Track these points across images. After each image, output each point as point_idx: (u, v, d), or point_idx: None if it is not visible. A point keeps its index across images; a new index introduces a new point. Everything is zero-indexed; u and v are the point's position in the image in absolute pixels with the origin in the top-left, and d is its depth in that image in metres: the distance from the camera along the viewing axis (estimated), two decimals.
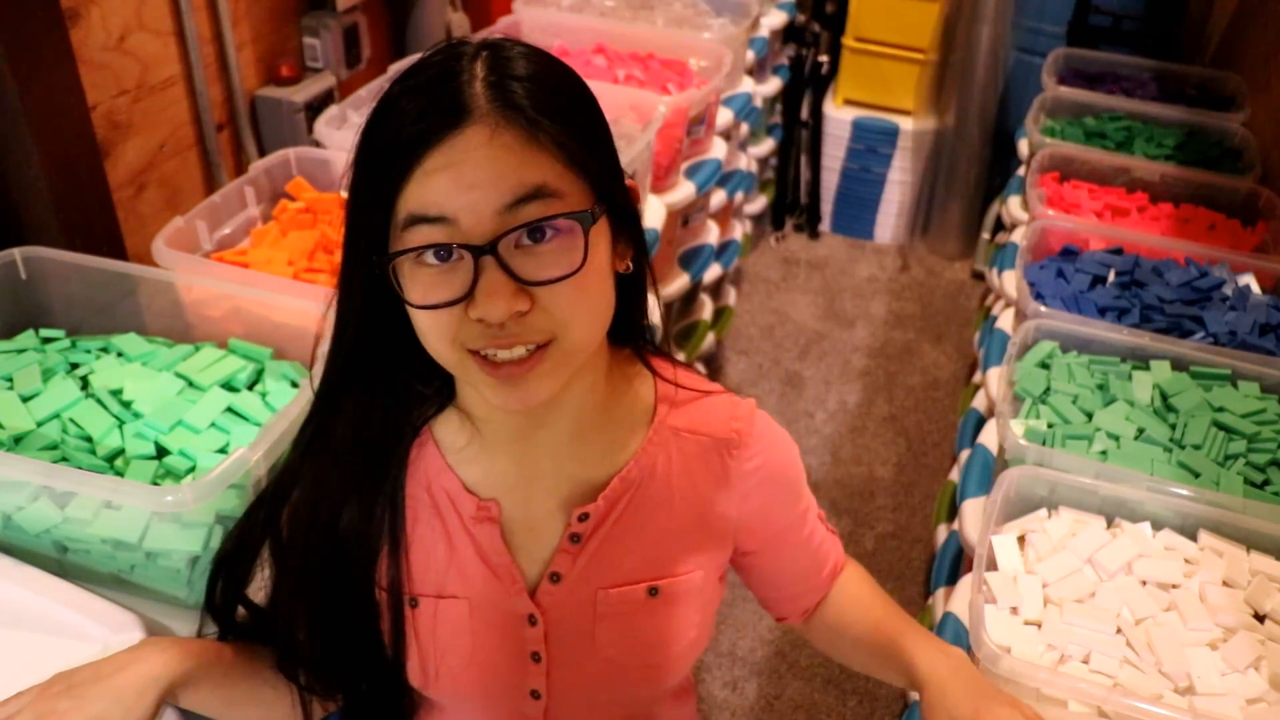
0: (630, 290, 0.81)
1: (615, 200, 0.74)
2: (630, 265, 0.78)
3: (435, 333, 0.71)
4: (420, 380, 0.82)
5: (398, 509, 0.82)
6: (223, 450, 1.13)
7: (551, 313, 0.69)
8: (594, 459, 0.83)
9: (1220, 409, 1.41)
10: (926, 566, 2.44)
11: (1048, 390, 1.45)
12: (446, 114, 0.67)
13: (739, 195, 2.94)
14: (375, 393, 0.80)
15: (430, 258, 0.68)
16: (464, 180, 0.66)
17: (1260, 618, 1.14)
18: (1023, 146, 2.44)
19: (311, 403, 0.83)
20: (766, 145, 3.36)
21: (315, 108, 2.23)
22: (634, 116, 2.00)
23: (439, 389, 0.83)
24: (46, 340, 1.26)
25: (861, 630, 0.97)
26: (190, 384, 1.19)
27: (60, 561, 1.08)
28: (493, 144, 0.66)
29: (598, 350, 0.80)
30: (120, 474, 1.08)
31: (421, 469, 0.83)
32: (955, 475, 1.95)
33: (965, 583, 1.35)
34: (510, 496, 0.82)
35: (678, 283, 2.40)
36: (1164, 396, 1.44)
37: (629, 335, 0.85)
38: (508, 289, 0.67)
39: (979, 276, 3.56)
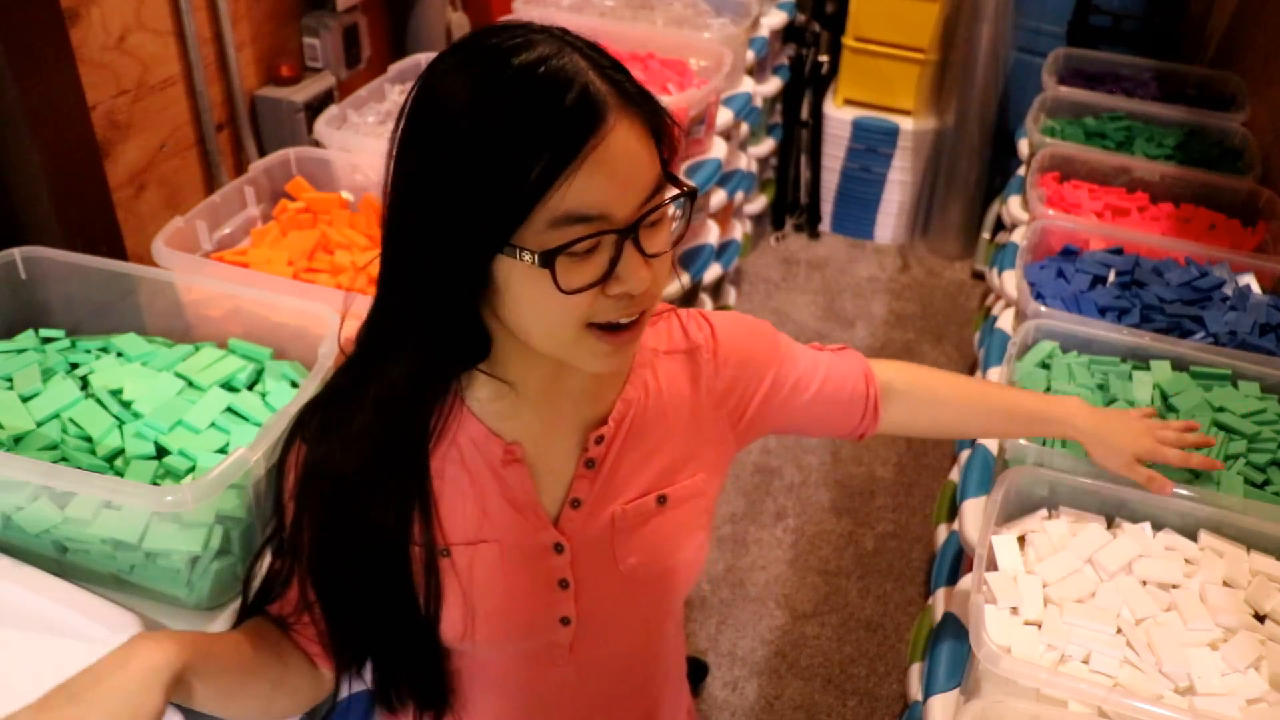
0: None
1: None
2: None
3: (570, 314, 0.75)
4: (449, 349, 0.83)
5: (426, 463, 0.85)
6: (223, 450, 1.13)
7: (657, 281, 0.77)
8: (602, 395, 0.90)
9: (1220, 409, 1.41)
10: (926, 566, 2.45)
11: (1048, 390, 1.45)
12: (590, 111, 0.70)
13: (739, 195, 2.94)
14: (421, 364, 0.82)
15: (576, 247, 0.73)
16: (618, 178, 0.72)
17: (1260, 618, 1.14)
18: (1023, 146, 2.44)
19: (346, 364, 0.85)
20: (766, 145, 3.36)
21: (315, 108, 2.23)
22: None
23: (465, 357, 0.85)
24: (46, 340, 1.26)
25: (966, 400, 1.14)
26: (190, 384, 1.19)
27: (60, 561, 1.08)
28: (630, 137, 0.72)
29: None
30: (120, 474, 1.08)
31: (444, 419, 0.86)
32: (955, 475, 1.95)
33: (965, 583, 1.35)
34: (533, 443, 0.88)
35: (677, 283, 2.39)
36: (1164, 396, 1.44)
37: None
38: (644, 264, 0.75)
39: (979, 276, 3.56)
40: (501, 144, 0.70)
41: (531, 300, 0.75)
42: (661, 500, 0.92)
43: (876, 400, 1.07)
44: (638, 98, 0.74)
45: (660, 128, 0.76)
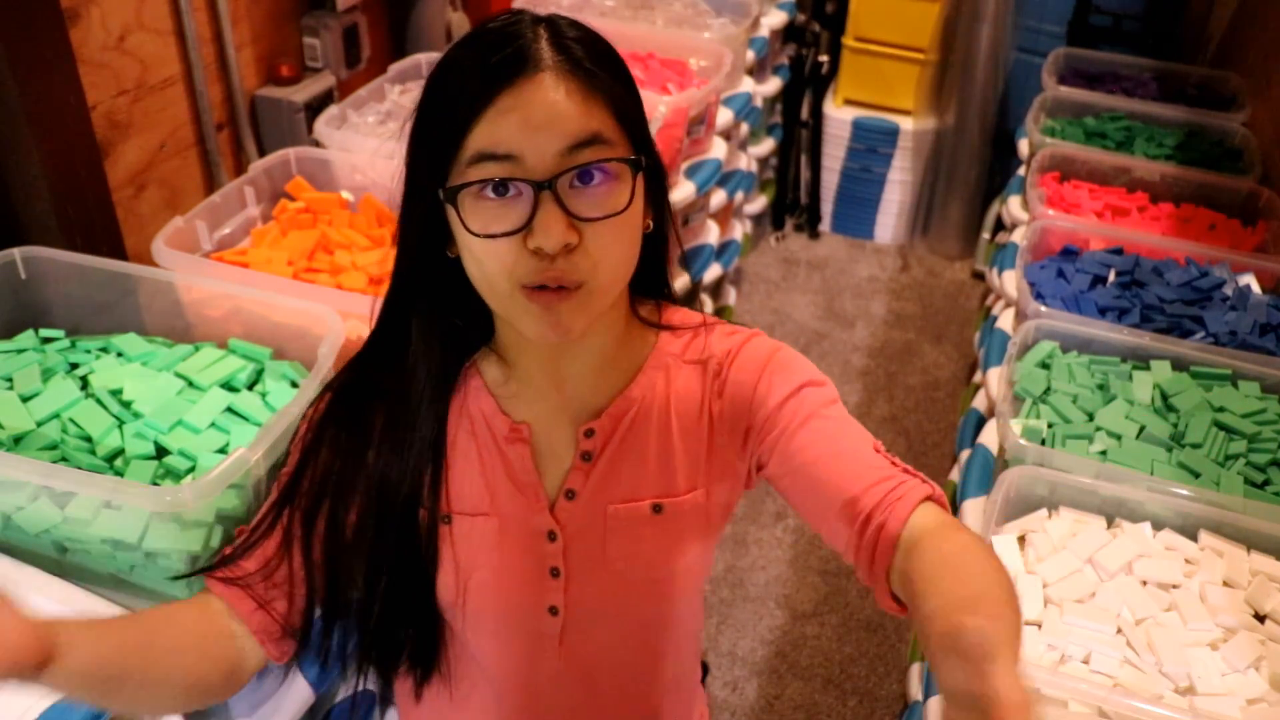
0: (653, 248, 0.89)
1: (650, 159, 0.82)
2: (652, 225, 0.86)
3: (494, 264, 0.77)
4: (463, 319, 0.89)
5: (442, 429, 0.89)
6: (223, 450, 1.13)
7: (590, 252, 0.76)
8: (607, 388, 0.91)
9: (1220, 409, 1.41)
10: None
11: (1048, 390, 1.45)
12: (516, 63, 0.75)
13: (739, 195, 2.94)
14: (431, 326, 0.87)
15: (490, 192, 0.76)
16: (531, 121, 0.74)
17: (1260, 618, 1.14)
18: (1023, 146, 2.44)
19: (372, 333, 0.90)
20: (766, 145, 3.36)
21: (315, 108, 2.23)
22: None
23: (481, 331, 0.91)
24: (46, 340, 1.26)
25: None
26: (190, 384, 1.19)
27: (60, 561, 1.08)
28: (558, 91, 0.75)
29: (620, 295, 0.87)
30: (120, 474, 1.08)
31: (462, 391, 0.91)
32: (955, 475, 1.95)
33: None
34: (538, 424, 0.90)
35: (678, 283, 2.39)
36: (1164, 396, 1.44)
37: (652, 288, 0.94)
38: (563, 221, 0.75)
39: (979, 276, 3.56)
40: (440, 95, 0.77)
41: (466, 251, 0.79)
42: (657, 509, 0.90)
43: (879, 541, 0.77)
44: (587, 69, 0.77)
45: (615, 100, 0.78)
